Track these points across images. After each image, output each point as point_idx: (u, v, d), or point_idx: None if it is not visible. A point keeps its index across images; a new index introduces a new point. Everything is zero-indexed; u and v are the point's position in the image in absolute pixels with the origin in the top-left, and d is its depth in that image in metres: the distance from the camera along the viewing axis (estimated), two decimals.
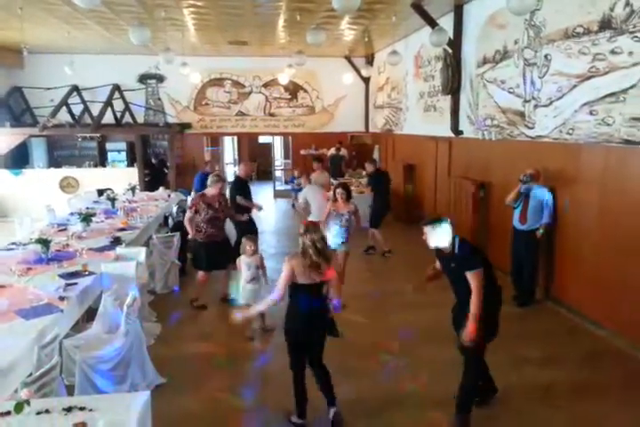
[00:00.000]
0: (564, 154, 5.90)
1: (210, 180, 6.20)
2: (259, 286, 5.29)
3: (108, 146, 14.33)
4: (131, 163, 13.71)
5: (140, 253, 5.61)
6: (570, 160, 5.80)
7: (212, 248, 6.01)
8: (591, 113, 5.38)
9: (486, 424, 3.74)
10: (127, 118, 13.36)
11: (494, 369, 3.94)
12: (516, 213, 6.04)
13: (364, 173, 12.99)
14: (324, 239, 3.65)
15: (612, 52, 5.03)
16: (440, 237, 3.57)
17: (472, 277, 3.47)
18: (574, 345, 5.07)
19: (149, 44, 9.70)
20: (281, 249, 8.79)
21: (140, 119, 13.93)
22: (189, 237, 6.15)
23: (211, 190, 6.14)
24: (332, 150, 13.77)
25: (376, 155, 14.10)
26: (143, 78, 14.08)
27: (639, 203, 4.81)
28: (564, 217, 5.88)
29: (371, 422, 3.78)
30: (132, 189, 10.00)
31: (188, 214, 6.09)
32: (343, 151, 13.77)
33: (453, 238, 3.60)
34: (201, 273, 6.14)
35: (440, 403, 3.85)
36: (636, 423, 3.76)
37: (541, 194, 5.90)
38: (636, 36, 4.72)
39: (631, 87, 4.80)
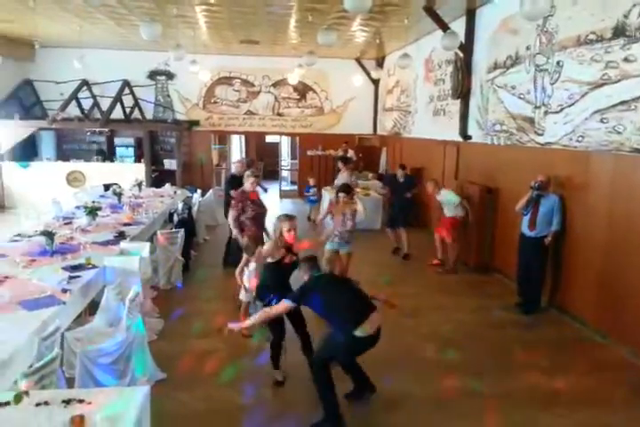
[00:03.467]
0: (573, 161, 5.86)
1: (246, 175, 6.50)
2: None
3: (117, 141, 14.38)
4: (138, 159, 13.74)
5: (144, 248, 5.61)
6: (579, 168, 5.76)
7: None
8: (602, 121, 5.34)
9: None
10: (136, 114, 13.39)
11: (497, 375, 3.91)
12: (525, 220, 6.00)
13: (370, 175, 13.01)
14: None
15: (625, 59, 4.99)
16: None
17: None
18: (578, 353, 5.03)
19: (160, 40, 9.72)
20: None
21: (149, 115, 13.97)
22: (234, 235, 6.29)
23: (248, 186, 6.37)
24: (339, 152, 13.70)
25: (383, 157, 14.07)
26: (153, 75, 14.12)
27: None
28: (574, 225, 5.85)
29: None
30: (139, 184, 10.02)
31: (234, 213, 6.21)
32: (350, 153, 13.60)
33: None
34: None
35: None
36: None
37: (551, 201, 5.87)
38: None
39: None
